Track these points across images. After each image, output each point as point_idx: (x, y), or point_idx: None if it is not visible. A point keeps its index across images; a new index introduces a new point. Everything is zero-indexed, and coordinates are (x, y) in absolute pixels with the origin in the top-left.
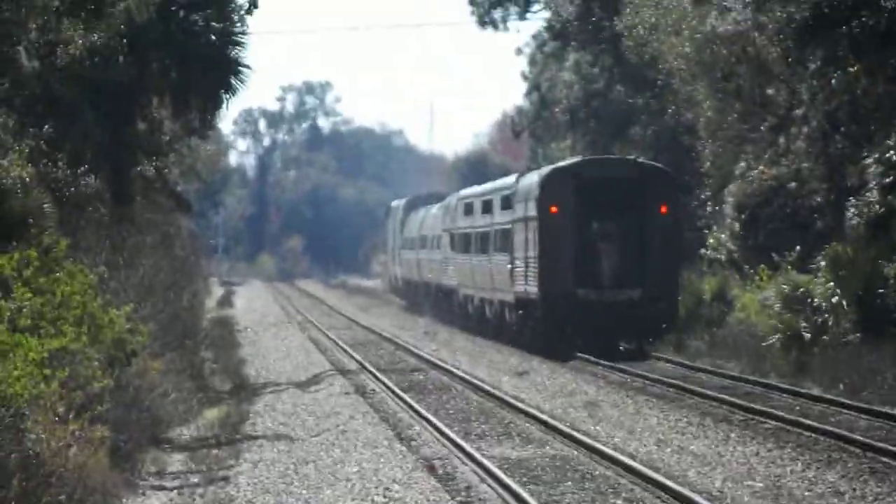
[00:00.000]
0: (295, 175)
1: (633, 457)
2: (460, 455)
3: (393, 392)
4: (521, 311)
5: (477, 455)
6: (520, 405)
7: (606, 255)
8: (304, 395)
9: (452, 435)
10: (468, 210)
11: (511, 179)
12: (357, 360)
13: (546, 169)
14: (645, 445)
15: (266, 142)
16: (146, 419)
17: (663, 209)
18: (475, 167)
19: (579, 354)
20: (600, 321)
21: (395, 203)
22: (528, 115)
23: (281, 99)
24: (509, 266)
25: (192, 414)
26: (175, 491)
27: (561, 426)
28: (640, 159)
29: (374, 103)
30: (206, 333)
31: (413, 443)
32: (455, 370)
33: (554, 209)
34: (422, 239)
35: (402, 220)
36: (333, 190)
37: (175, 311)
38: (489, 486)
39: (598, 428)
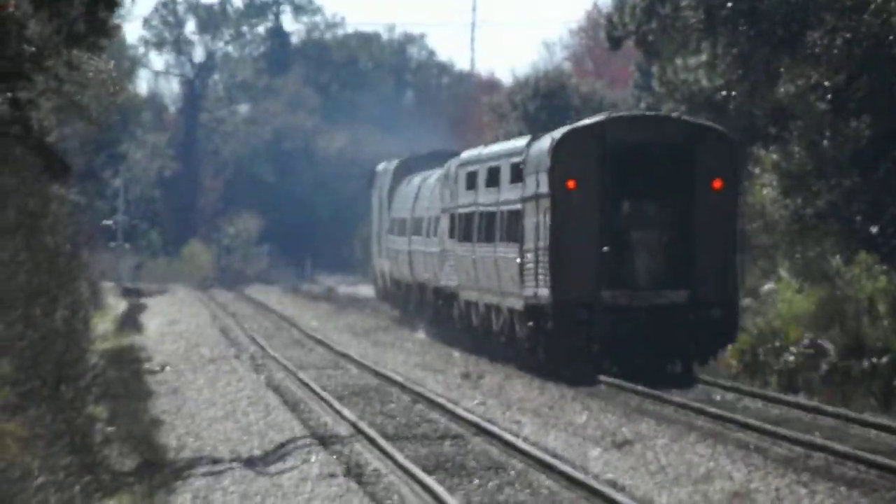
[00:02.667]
0: (247, 112)
1: None
2: None
3: (409, 474)
4: (531, 323)
5: None
6: (619, 498)
7: (642, 245)
8: (260, 479)
9: None
10: (471, 181)
11: (522, 143)
12: (349, 421)
13: (561, 130)
14: None
15: (199, 56)
16: None
17: (717, 184)
18: (547, 98)
19: (603, 378)
20: (633, 334)
21: (381, 166)
22: (636, 11)
23: None
24: (518, 261)
25: None
26: None
27: None
28: (686, 117)
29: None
30: (97, 375)
31: None
32: (512, 437)
33: (571, 184)
34: (415, 222)
35: (391, 193)
36: (310, 138)
37: (43, 337)
38: None
39: None
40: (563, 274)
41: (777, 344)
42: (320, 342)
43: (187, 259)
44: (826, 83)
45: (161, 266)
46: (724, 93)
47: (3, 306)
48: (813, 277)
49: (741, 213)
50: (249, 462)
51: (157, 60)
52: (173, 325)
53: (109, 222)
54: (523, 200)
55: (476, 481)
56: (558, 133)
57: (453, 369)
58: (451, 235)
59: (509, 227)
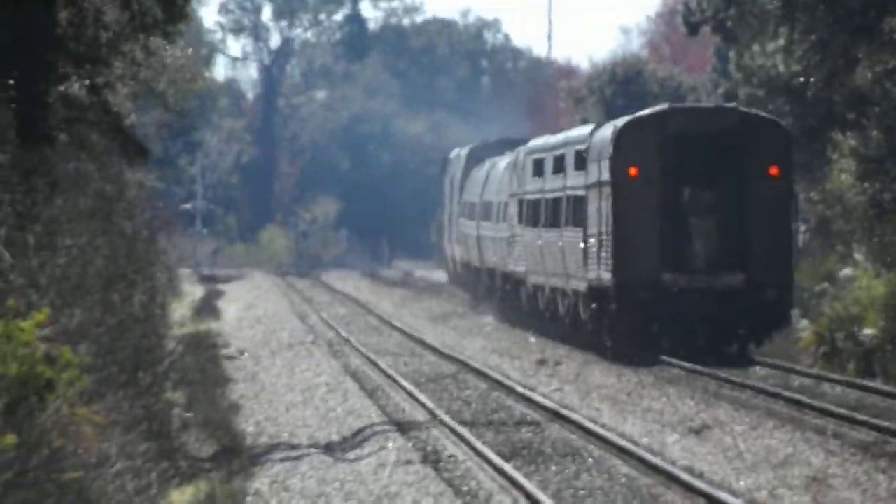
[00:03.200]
0: (324, 98)
1: None
2: None
3: (487, 460)
4: (594, 305)
5: None
6: (696, 483)
7: (699, 230)
8: (338, 465)
9: None
10: (538, 168)
11: (586, 131)
12: (426, 407)
13: (622, 120)
14: None
15: (275, 42)
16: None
17: (773, 171)
18: (624, 84)
19: (664, 359)
20: (691, 315)
21: (454, 153)
22: None
23: None
24: (582, 245)
25: (151, 497)
26: None
27: None
28: (743, 108)
29: None
30: (175, 361)
31: None
32: (590, 423)
33: (633, 172)
34: (484, 207)
35: (462, 179)
36: (388, 123)
37: (121, 323)
38: None
39: None
40: (625, 257)
41: (854, 329)
42: (397, 328)
43: (264, 245)
44: None
45: (238, 252)
46: (801, 78)
47: (80, 292)
48: (890, 263)
49: (796, 201)
50: (327, 448)
51: (235, 46)
52: (250, 309)
53: (188, 206)
54: (587, 187)
55: (553, 468)
56: (620, 122)
57: (529, 355)
58: (519, 220)
59: (574, 212)
